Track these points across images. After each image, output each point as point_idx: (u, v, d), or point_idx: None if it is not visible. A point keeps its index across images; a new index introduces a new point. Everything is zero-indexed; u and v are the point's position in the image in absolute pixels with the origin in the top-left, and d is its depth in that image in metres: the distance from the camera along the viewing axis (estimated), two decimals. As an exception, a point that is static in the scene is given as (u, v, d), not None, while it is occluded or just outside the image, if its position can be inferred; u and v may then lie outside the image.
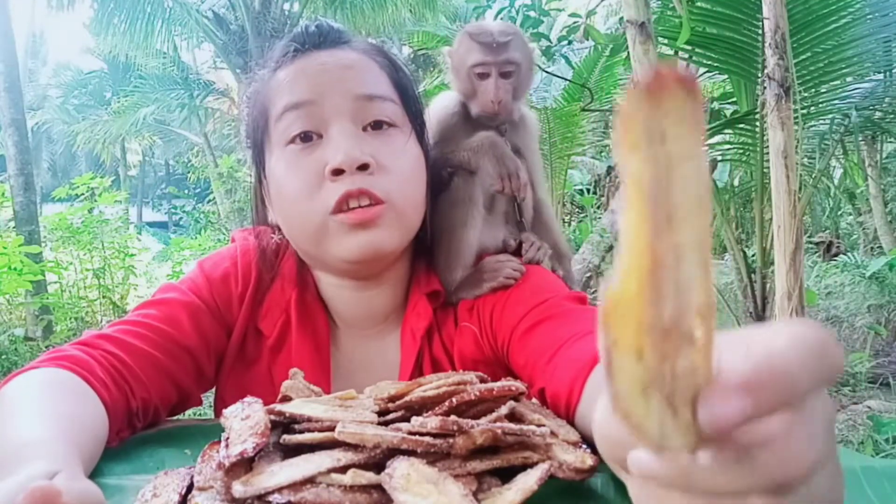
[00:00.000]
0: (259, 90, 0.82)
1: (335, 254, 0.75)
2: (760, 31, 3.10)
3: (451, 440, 0.45)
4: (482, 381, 0.55)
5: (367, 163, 0.73)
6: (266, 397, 0.54)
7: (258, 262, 0.85)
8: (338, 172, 0.73)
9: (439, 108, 0.91)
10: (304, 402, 0.53)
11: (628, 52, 2.36)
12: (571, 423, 0.60)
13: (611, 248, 6.34)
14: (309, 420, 0.48)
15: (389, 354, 0.83)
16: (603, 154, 7.43)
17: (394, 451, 0.45)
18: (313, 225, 0.75)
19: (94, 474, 0.55)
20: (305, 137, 0.75)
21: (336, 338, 0.85)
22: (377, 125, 0.77)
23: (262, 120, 0.80)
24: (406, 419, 0.48)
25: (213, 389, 0.86)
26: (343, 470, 0.43)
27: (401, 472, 0.43)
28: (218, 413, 0.84)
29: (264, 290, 0.84)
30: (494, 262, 0.83)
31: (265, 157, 0.81)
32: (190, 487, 0.46)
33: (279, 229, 0.84)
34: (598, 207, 7.00)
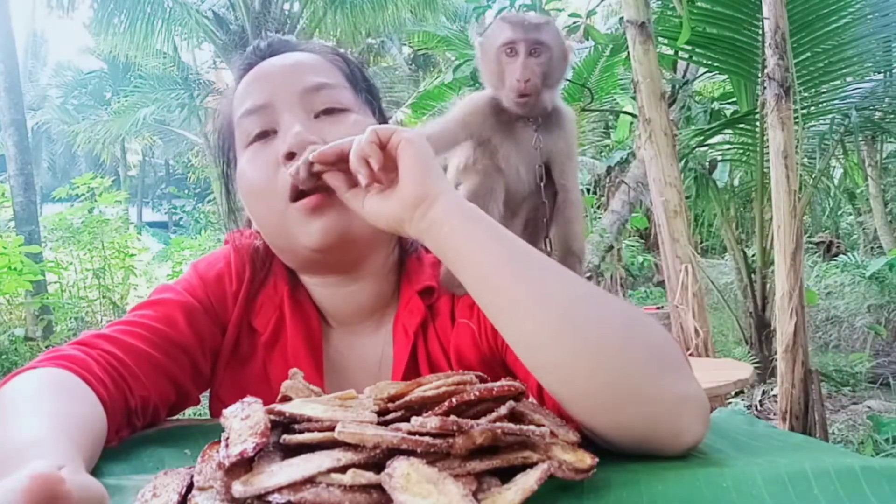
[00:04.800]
0: (222, 103, 0.88)
1: (301, 242, 0.76)
2: (760, 31, 3.10)
3: (450, 440, 0.45)
4: (482, 381, 0.54)
5: (314, 143, 0.74)
6: (262, 394, 0.54)
7: (252, 259, 0.85)
8: (290, 156, 0.75)
9: (466, 104, 0.89)
10: (304, 402, 0.53)
11: (628, 52, 2.36)
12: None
13: (610, 248, 6.34)
14: (309, 420, 0.48)
15: (382, 351, 0.83)
16: (603, 154, 7.42)
17: (394, 451, 0.45)
18: (276, 215, 0.77)
19: (93, 474, 0.55)
20: (262, 135, 0.79)
21: (328, 335, 0.85)
22: (329, 111, 0.80)
23: (227, 130, 0.85)
24: (406, 419, 0.48)
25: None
26: (343, 470, 0.43)
27: (401, 472, 0.43)
28: (214, 411, 0.85)
29: (258, 287, 0.85)
30: None
31: (236, 164, 0.84)
32: (190, 487, 0.46)
33: None
34: (598, 207, 6.99)
